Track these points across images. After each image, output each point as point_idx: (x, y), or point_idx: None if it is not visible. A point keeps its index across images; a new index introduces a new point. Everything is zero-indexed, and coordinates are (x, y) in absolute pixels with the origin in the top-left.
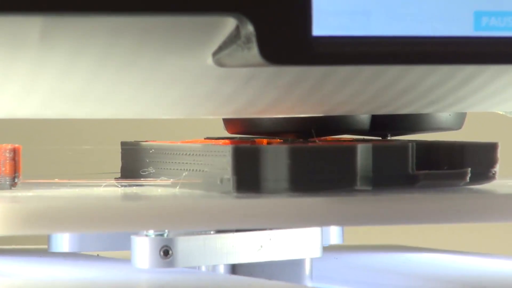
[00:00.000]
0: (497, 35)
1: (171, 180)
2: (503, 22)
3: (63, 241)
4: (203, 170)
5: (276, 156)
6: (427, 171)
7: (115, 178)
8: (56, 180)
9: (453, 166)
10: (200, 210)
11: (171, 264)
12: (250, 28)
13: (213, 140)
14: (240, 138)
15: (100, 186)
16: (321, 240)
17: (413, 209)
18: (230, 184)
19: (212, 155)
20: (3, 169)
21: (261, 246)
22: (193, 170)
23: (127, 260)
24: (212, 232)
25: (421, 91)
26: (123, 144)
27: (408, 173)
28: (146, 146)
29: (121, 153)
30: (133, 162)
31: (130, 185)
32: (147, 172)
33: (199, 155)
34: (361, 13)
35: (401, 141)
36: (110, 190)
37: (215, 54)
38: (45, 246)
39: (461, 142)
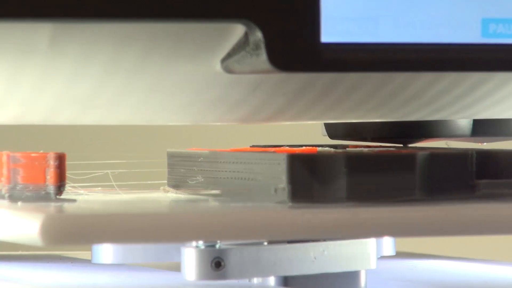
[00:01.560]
0: (505, 42)
1: (222, 189)
2: (510, 29)
3: (107, 252)
4: (255, 179)
5: (332, 164)
6: (487, 180)
7: (162, 187)
8: (102, 190)
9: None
10: (254, 220)
11: (223, 276)
12: (258, 34)
13: (260, 148)
14: (289, 145)
15: (147, 196)
16: (376, 251)
17: (474, 219)
18: (285, 194)
19: (266, 163)
20: (48, 177)
21: (315, 258)
22: (244, 179)
23: (175, 272)
24: (264, 243)
25: (428, 97)
26: (170, 152)
27: (468, 183)
28: (195, 154)
29: (168, 162)
30: (181, 171)
31: (178, 195)
32: (195, 181)
33: (252, 163)
34: (369, 20)
35: (461, 150)
36: (158, 200)
37: (223, 60)
38: (88, 252)
39: None
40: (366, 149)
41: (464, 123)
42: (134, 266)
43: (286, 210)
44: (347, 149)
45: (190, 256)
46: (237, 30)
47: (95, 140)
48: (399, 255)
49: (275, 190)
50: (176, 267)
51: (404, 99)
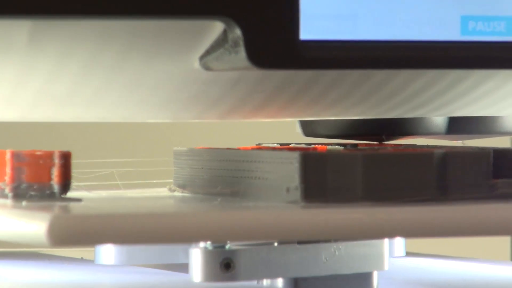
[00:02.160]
0: (484, 39)
1: (231, 188)
2: (490, 26)
3: (109, 253)
4: (266, 178)
5: (347, 163)
6: (505, 180)
7: (169, 186)
8: (108, 189)
9: None
10: (265, 220)
11: (232, 278)
12: (237, 32)
13: (267, 147)
14: (296, 144)
15: (153, 195)
16: (388, 252)
17: (492, 219)
18: (297, 193)
19: (278, 162)
20: (53, 176)
21: (326, 259)
22: (255, 178)
23: (182, 273)
24: (275, 244)
25: (407, 95)
26: (176, 151)
27: (485, 182)
28: (202, 152)
29: (174, 160)
30: (188, 170)
31: (185, 194)
32: (203, 180)
33: (263, 162)
34: (349, 17)
35: (478, 148)
36: (165, 199)
37: (202, 57)
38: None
39: None
40: (381, 148)
41: (439, 120)
42: (139, 267)
43: (299, 210)
44: (358, 147)
45: (198, 257)
46: (216, 27)
47: (100, 139)
48: (409, 255)
49: (287, 190)
50: (181, 269)
51: (383, 97)
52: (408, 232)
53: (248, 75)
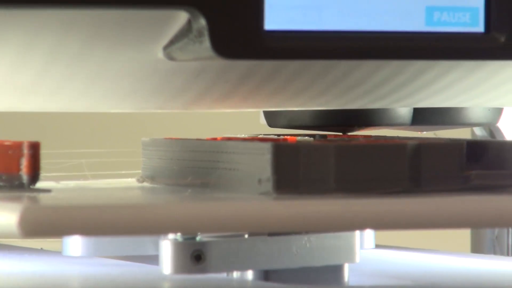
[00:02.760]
0: (449, 30)
1: (202, 179)
2: (454, 17)
3: (77, 244)
4: (238, 169)
5: (320, 155)
6: (479, 171)
7: (137, 177)
8: (76, 180)
9: (502, 166)
10: (236, 212)
11: (203, 270)
12: (202, 22)
13: (237, 137)
14: (264, 135)
15: (122, 186)
16: (359, 245)
17: (465, 211)
18: (269, 185)
19: (250, 153)
20: (21, 167)
21: (297, 251)
22: (225, 169)
23: (151, 265)
24: (246, 236)
25: (371, 85)
26: (145, 141)
27: (459, 174)
28: (171, 143)
29: (142, 151)
30: (157, 161)
31: (154, 185)
32: (172, 172)
33: (234, 153)
34: (313, 8)
35: (451, 140)
36: (133, 190)
37: (166, 47)
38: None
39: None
40: (353, 139)
41: (404, 111)
42: (108, 259)
43: (271, 201)
44: (328, 138)
45: (168, 249)
46: (180, 17)
47: (68, 129)
48: (378, 247)
49: (259, 181)
50: (151, 261)
51: (346, 87)
52: (381, 224)
53: (212, 65)
